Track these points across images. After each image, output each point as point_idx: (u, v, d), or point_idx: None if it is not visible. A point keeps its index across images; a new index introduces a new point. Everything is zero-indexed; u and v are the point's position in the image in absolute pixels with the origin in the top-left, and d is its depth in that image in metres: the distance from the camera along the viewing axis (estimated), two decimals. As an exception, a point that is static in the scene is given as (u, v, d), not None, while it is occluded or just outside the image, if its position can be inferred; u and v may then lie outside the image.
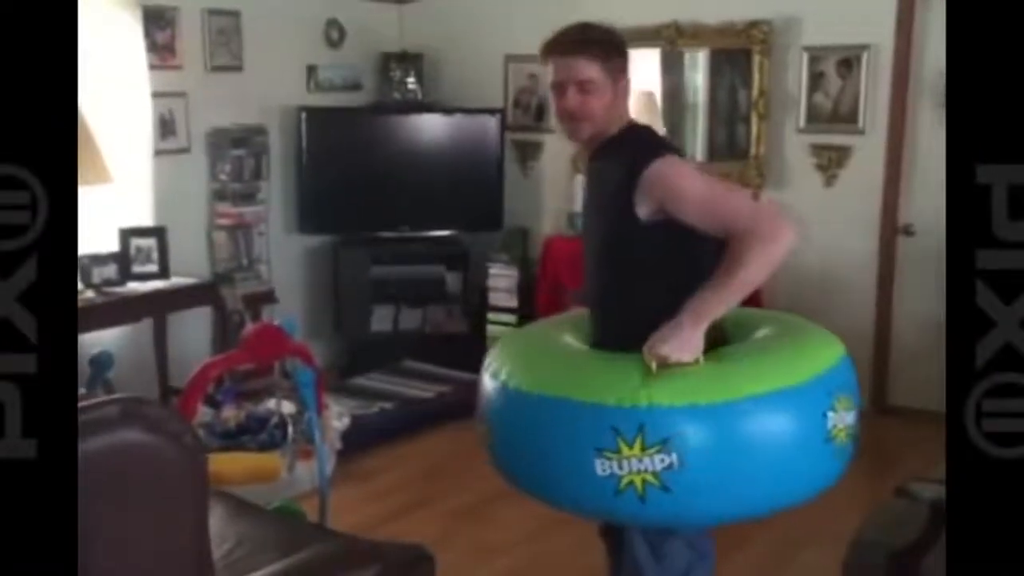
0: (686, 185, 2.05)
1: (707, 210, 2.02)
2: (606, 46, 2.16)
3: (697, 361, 1.99)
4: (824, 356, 2.10)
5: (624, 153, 2.13)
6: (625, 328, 2.12)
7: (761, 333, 2.22)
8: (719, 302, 2.00)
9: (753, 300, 2.38)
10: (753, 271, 1.96)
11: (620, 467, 1.90)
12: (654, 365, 1.97)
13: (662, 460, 1.89)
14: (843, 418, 2.04)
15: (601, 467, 1.91)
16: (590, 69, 2.11)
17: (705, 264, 2.02)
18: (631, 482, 1.90)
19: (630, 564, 2.20)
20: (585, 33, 2.19)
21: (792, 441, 1.98)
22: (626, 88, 2.17)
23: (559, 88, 2.14)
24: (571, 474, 1.97)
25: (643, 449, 1.89)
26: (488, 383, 2.21)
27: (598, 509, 2.04)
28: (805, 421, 2.00)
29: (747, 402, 1.94)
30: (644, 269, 2.14)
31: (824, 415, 2.00)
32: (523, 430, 2.09)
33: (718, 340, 2.08)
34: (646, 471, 1.89)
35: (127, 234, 4.42)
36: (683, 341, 1.97)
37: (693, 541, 2.21)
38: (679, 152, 2.16)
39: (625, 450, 1.89)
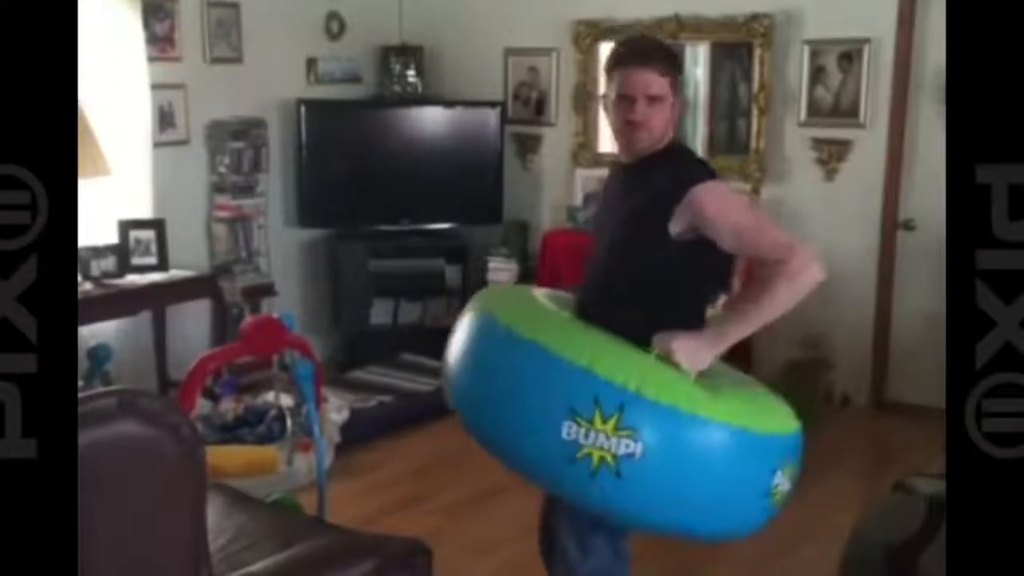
0: (728, 212, 2.13)
1: (744, 239, 2.12)
2: (673, 61, 2.23)
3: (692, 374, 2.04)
4: (788, 422, 2.16)
5: (670, 167, 2.19)
6: (614, 327, 2.14)
7: (736, 380, 2.27)
8: (745, 327, 2.10)
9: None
10: (779, 303, 2.06)
11: (586, 437, 1.93)
12: (656, 351, 2.01)
13: (627, 446, 1.92)
14: (784, 483, 2.10)
15: (568, 430, 1.93)
16: (660, 83, 2.16)
17: (704, 292, 2.12)
18: (589, 455, 1.93)
19: (560, 560, 2.27)
20: (652, 47, 2.26)
21: (740, 480, 2.04)
22: (678, 104, 2.23)
23: (627, 100, 2.16)
24: (537, 428, 1.99)
25: (615, 429, 1.92)
26: (475, 317, 2.21)
27: (546, 471, 2.05)
28: (758, 469, 2.05)
29: (720, 427, 1.99)
30: (651, 279, 2.19)
31: (773, 472, 2.06)
32: (504, 373, 2.09)
33: None
34: (608, 450, 1.92)
35: (126, 226, 4.41)
36: (695, 350, 2.06)
37: (613, 541, 2.26)
38: (720, 176, 2.24)
39: (598, 423, 1.92)
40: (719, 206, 2.12)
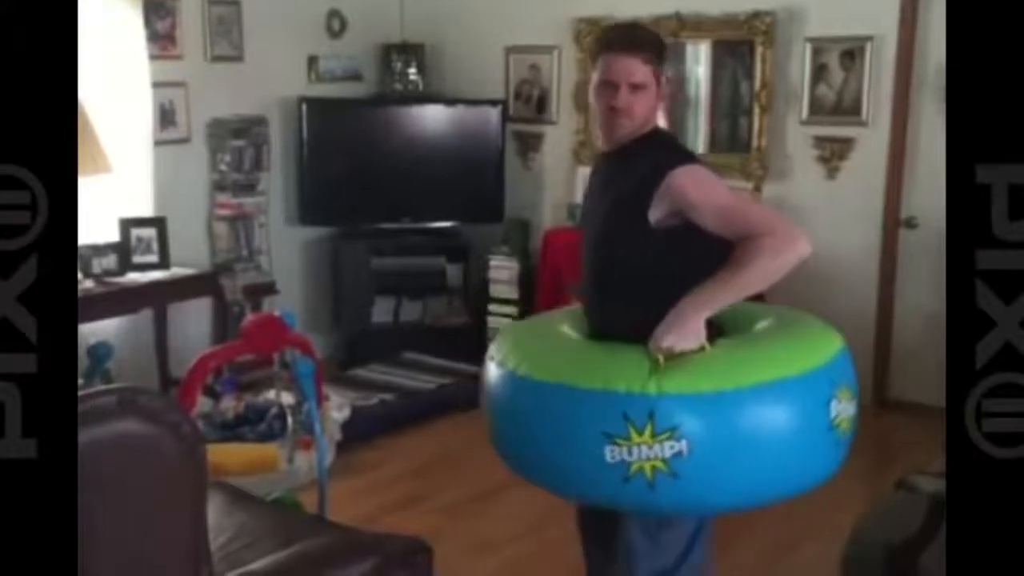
0: (708, 193, 2.10)
1: (726, 218, 2.08)
2: (658, 49, 2.20)
3: (703, 348, 2.01)
4: (825, 347, 2.13)
5: (650, 154, 2.17)
6: (617, 323, 2.15)
7: (761, 325, 2.24)
8: (719, 297, 2.04)
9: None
10: (757, 275, 2.02)
11: (630, 454, 1.92)
12: (661, 358, 1.99)
13: (671, 447, 1.91)
14: (845, 408, 2.06)
15: (611, 454, 1.93)
16: (643, 71, 2.14)
17: (695, 279, 2.07)
18: (640, 468, 1.92)
19: (624, 551, 2.20)
20: (638, 34, 2.24)
21: (797, 429, 2.00)
22: (663, 92, 2.21)
23: (609, 86, 2.15)
24: (581, 461, 1.98)
25: (653, 436, 1.91)
26: (493, 371, 2.21)
27: (606, 496, 2.04)
28: (810, 410, 2.02)
29: (754, 390, 1.96)
30: (642, 274, 2.17)
31: (827, 404, 2.03)
32: (532, 417, 2.10)
33: (712, 333, 2.09)
34: (656, 458, 1.91)
35: (127, 224, 4.41)
36: (686, 330, 2.01)
37: (691, 532, 2.21)
38: (700, 160, 2.21)
39: (635, 437, 1.91)
40: (701, 188, 2.10)
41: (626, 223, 2.15)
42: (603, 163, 2.32)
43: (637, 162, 2.16)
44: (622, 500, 2.02)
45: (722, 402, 1.94)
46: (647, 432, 1.90)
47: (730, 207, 2.09)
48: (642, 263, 2.16)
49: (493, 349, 2.28)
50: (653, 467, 1.91)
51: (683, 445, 1.90)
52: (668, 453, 1.90)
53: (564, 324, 2.33)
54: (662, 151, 2.18)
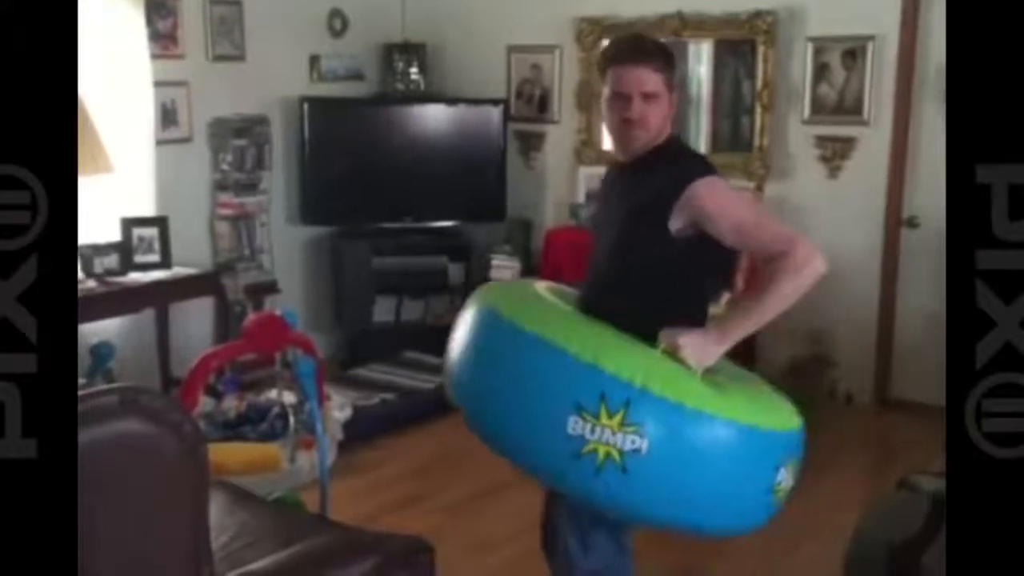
0: (725, 207, 2.12)
1: (745, 234, 2.10)
2: (667, 58, 2.22)
3: (696, 372, 2.04)
4: (791, 419, 2.16)
5: (670, 164, 2.18)
6: (615, 322, 2.15)
7: (728, 376, 2.25)
8: (750, 323, 2.08)
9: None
10: (784, 296, 2.04)
11: (591, 432, 1.92)
12: (663, 346, 1.99)
13: (632, 441, 1.91)
14: (787, 480, 2.10)
15: (573, 425, 1.93)
16: (654, 80, 2.16)
17: (706, 288, 2.12)
18: (594, 450, 1.92)
19: (562, 557, 2.27)
20: (645, 44, 2.25)
21: (745, 476, 2.04)
22: (675, 101, 2.23)
23: (622, 98, 2.16)
24: (542, 424, 1.98)
25: (621, 424, 1.91)
26: (474, 313, 2.20)
27: (551, 467, 2.03)
28: (762, 465, 2.05)
29: (727, 424, 1.98)
30: (653, 277, 2.19)
31: (777, 468, 2.06)
32: (508, 366, 2.08)
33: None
34: (614, 446, 1.92)
35: (129, 224, 4.42)
36: (702, 347, 2.04)
37: (614, 536, 2.25)
38: (718, 171, 2.23)
39: (604, 418, 1.92)
40: (719, 202, 2.11)
41: (644, 232, 2.17)
42: (617, 174, 2.32)
43: (655, 173, 2.17)
44: (565, 476, 2.02)
45: (694, 421, 1.96)
46: (617, 418, 1.91)
47: (748, 223, 2.11)
48: (658, 272, 2.18)
49: (482, 292, 2.29)
50: (607, 453, 1.92)
51: (643, 444, 1.91)
52: (628, 446, 1.91)
53: (553, 295, 2.32)
54: (681, 161, 2.20)
